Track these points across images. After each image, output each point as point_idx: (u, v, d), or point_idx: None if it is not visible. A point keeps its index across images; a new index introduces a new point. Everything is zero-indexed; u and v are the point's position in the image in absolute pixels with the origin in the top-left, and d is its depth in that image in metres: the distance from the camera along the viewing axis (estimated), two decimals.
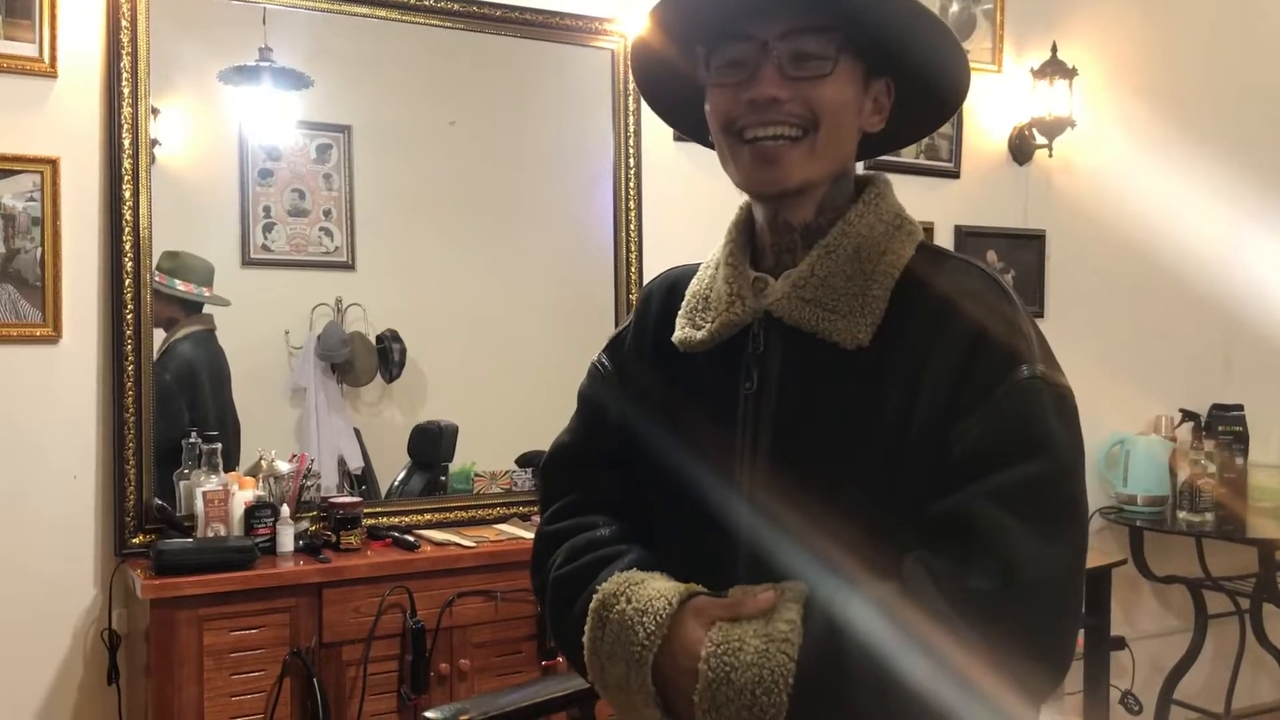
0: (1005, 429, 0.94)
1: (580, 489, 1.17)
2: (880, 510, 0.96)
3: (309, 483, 2.41)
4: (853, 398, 0.99)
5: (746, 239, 1.11)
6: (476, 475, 2.68)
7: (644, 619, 0.98)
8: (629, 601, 1.00)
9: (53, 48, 2.24)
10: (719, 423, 1.05)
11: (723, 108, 1.03)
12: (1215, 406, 3.56)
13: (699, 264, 1.16)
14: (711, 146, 1.09)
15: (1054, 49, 3.26)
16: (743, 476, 1.03)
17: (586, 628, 1.03)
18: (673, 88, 1.12)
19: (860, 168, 1.15)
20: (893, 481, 0.96)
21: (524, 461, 2.73)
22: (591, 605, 1.03)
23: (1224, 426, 3.47)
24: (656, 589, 1.00)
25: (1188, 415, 3.49)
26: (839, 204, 1.06)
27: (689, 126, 1.17)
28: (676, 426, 1.08)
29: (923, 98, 1.09)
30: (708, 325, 1.08)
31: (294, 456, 2.44)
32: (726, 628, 0.95)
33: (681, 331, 1.10)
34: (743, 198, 1.12)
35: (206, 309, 2.48)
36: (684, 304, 1.12)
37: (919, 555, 0.93)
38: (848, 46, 1.01)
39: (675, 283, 1.16)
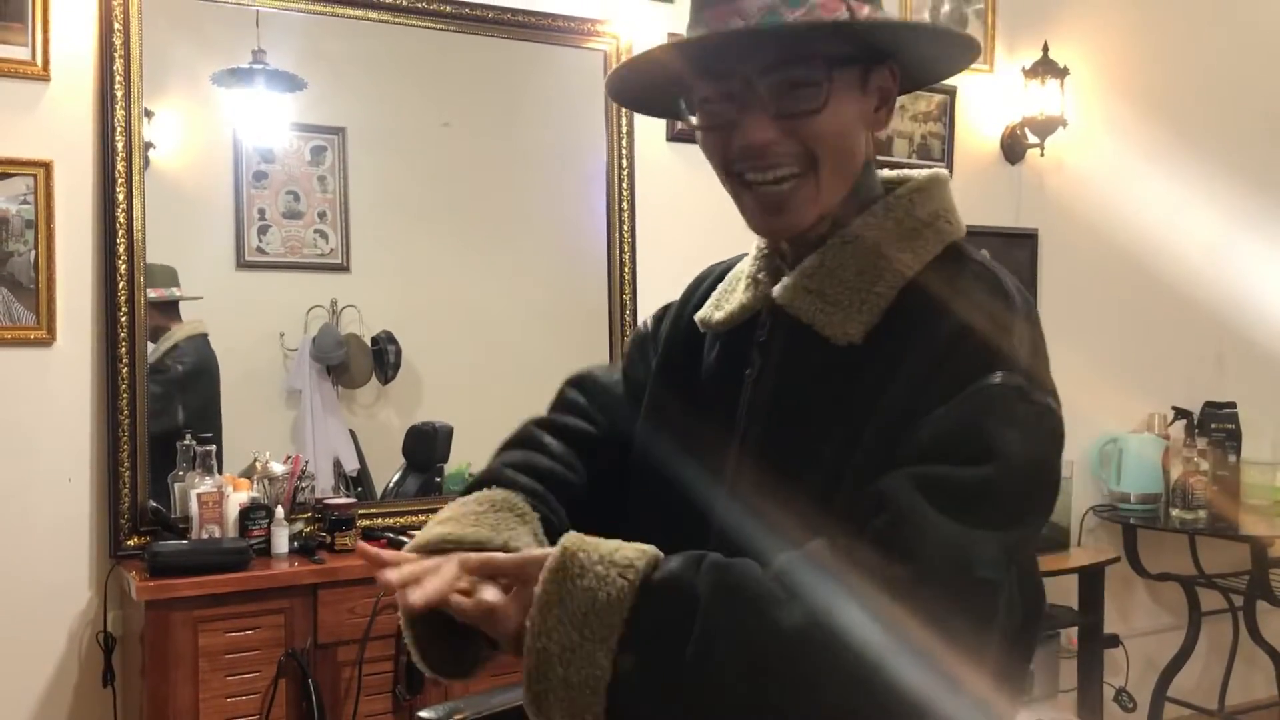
0: (956, 430, 0.88)
1: (579, 414, 1.18)
2: (838, 503, 0.93)
3: (304, 484, 2.42)
4: (836, 394, 0.96)
5: None
6: (471, 476, 2.68)
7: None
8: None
9: (45, 51, 2.25)
10: (719, 404, 1.05)
11: (716, 153, 0.99)
12: (1208, 404, 3.58)
13: (738, 257, 1.17)
14: None
15: (1045, 48, 3.27)
16: (728, 462, 1.02)
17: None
18: (646, 84, 1.07)
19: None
20: (859, 480, 0.92)
21: None
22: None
23: (1216, 424, 3.49)
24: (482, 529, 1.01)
25: (1180, 413, 3.51)
26: (854, 206, 1.02)
27: (661, 111, 1.14)
28: (682, 403, 1.09)
29: (931, 62, 1.04)
30: (727, 307, 1.09)
31: (288, 458, 2.44)
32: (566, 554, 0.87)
33: (704, 310, 1.11)
34: (726, 210, 1.11)
35: (198, 314, 2.48)
36: (720, 285, 1.13)
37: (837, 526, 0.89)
38: (837, 61, 0.95)
39: (711, 272, 1.19)
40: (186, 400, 2.47)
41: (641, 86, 1.07)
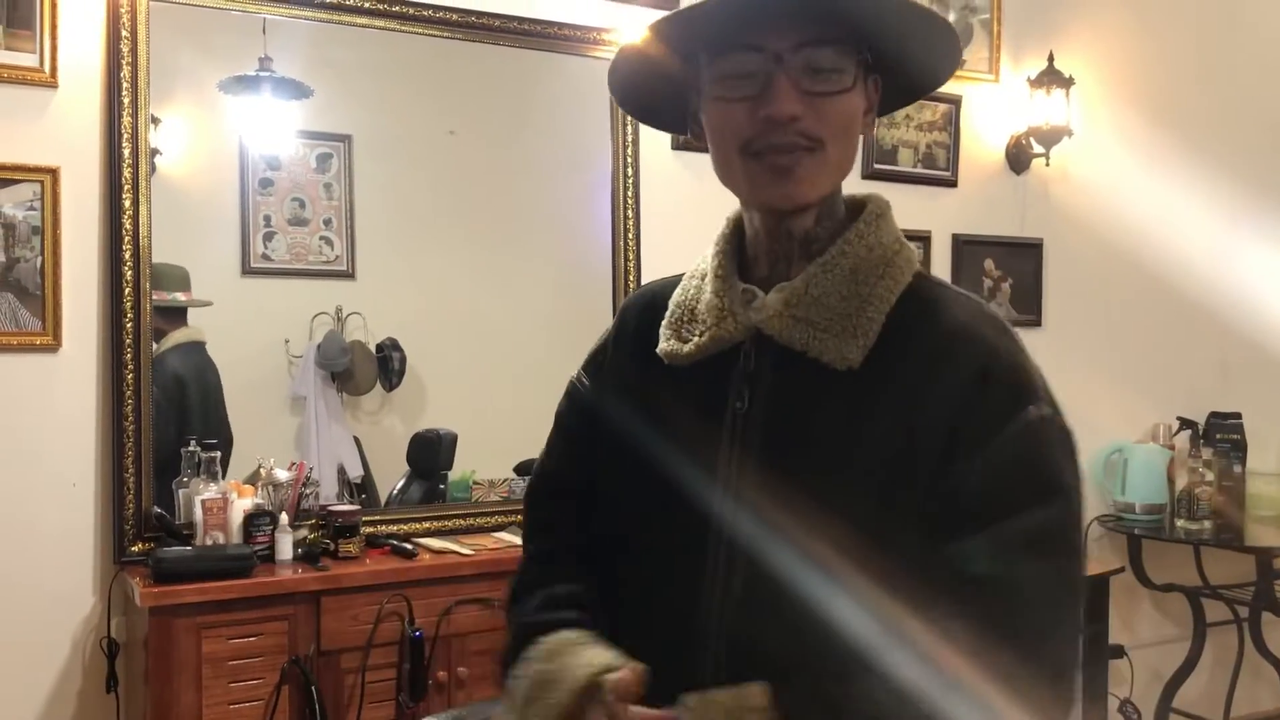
0: (1015, 470, 0.92)
1: (557, 527, 1.16)
2: (865, 540, 0.93)
3: (308, 491, 2.42)
4: (841, 421, 0.97)
5: (735, 249, 1.08)
6: (475, 483, 2.69)
7: (563, 689, 0.98)
8: (550, 660, 1.01)
9: (53, 58, 2.26)
10: (703, 439, 1.02)
11: (734, 124, 0.99)
12: (1213, 414, 3.57)
13: (676, 277, 1.14)
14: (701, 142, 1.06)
15: (1051, 59, 3.28)
16: (725, 497, 1.00)
17: (520, 681, 1.02)
18: (654, 89, 1.08)
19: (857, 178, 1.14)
20: (880, 512, 0.94)
21: (522, 469, 2.74)
22: (531, 654, 1.03)
23: (1222, 434, 3.48)
24: (586, 658, 1.00)
25: (1185, 423, 3.50)
26: (835, 213, 1.04)
27: (668, 122, 1.14)
28: (657, 442, 1.05)
29: (904, 80, 1.07)
30: (695, 338, 1.05)
31: (293, 465, 2.45)
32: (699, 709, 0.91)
33: (667, 343, 1.07)
34: (732, 209, 1.11)
35: (195, 321, 2.48)
36: (668, 315, 1.09)
37: (936, 614, 0.91)
38: (859, 56, 0.99)
39: (654, 297, 1.14)
40: (185, 409, 2.46)
41: (644, 73, 1.06)
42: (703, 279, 1.09)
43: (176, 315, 2.46)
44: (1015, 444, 0.92)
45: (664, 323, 1.09)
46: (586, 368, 1.18)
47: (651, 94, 1.09)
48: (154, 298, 2.36)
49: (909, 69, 1.05)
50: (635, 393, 1.10)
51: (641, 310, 1.14)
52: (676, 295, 1.10)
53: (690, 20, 0.99)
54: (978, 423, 0.93)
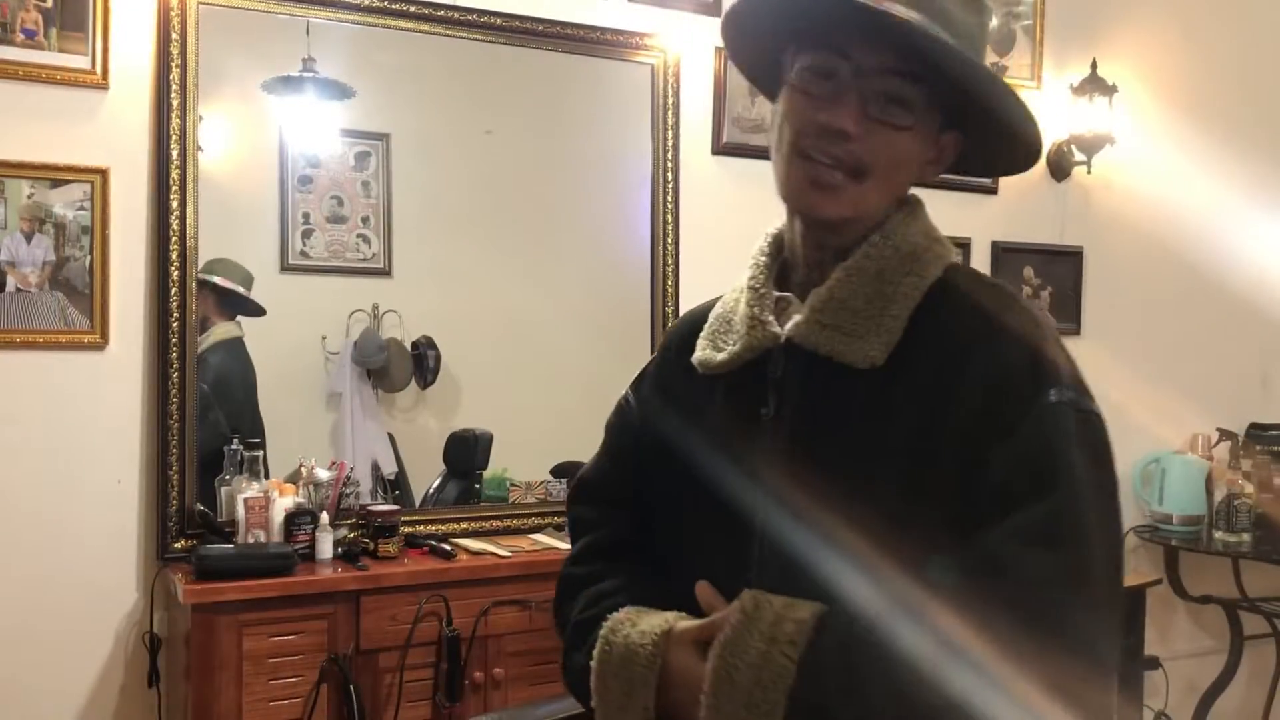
0: (1028, 460, 0.93)
1: (603, 527, 1.19)
2: (896, 533, 0.95)
3: (348, 490, 2.44)
4: (867, 418, 0.99)
5: (773, 259, 1.11)
6: (512, 485, 2.70)
7: (644, 640, 1.02)
8: (633, 626, 1.04)
9: (104, 60, 2.28)
10: (738, 446, 1.05)
11: (793, 119, 1.01)
12: (1253, 425, 3.53)
13: (713, 300, 1.18)
14: None
15: (1094, 65, 3.24)
16: (759, 501, 1.03)
17: (595, 650, 1.05)
18: (758, 48, 1.09)
19: None
20: (909, 505, 0.95)
21: (559, 472, 2.74)
22: (601, 631, 1.06)
23: (1262, 446, 3.44)
24: (659, 615, 1.04)
25: (1225, 434, 3.46)
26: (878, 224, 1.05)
27: (765, 87, 1.14)
28: (695, 451, 1.09)
29: (990, 153, 1.08)
30: (729, 348, 1.08)
31: (333, 464, 2.47)
32: (735, 629, 0.95)
33: (702, 352, 1.10)
34: (782, 219, 1.12)
35: (238, 318, 2.51)
36: (707, 327, 1.13)
37: (953, 589, 0.92)
38: (933, 100, 1.00)
39: (698, 318, 1.17)
40: (221, 404, 2.48)
41: (755, 31, 1.07)
42: (740, 292, 1.12)
43: (227, 309, 2.48)
44: (1030, 433, 0.93)
45: (702, 334, 1.12)
46: (634, 384, 1.22)
47: (754, 53, 1.10)
48: (216, 279, 2.41)
49: (992, 144, 1.05)
50: (677, 404, 1.14)
51: (684, 329, 1.18)
52: (717, 309, 1.14)
53: (795, 6, 1.00)
54: (1000, 414, 0.94)
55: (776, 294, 1.07)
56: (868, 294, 1.00)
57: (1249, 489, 3.24)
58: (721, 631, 0.96)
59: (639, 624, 1.04)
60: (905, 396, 0.97)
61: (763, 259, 1.11)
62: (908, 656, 0.88)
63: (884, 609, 0.92)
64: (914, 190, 1.08)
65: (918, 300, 1.00)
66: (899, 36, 0.95)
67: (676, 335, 1.19)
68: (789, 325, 1.03)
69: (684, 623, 1.03)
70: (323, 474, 2.39)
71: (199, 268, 2.37)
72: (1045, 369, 0.95)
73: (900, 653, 0.89)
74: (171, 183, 2.32)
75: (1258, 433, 3.49)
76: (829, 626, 0.93)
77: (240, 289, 2.48)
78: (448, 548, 2.39)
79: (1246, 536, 3.21)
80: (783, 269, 1.10)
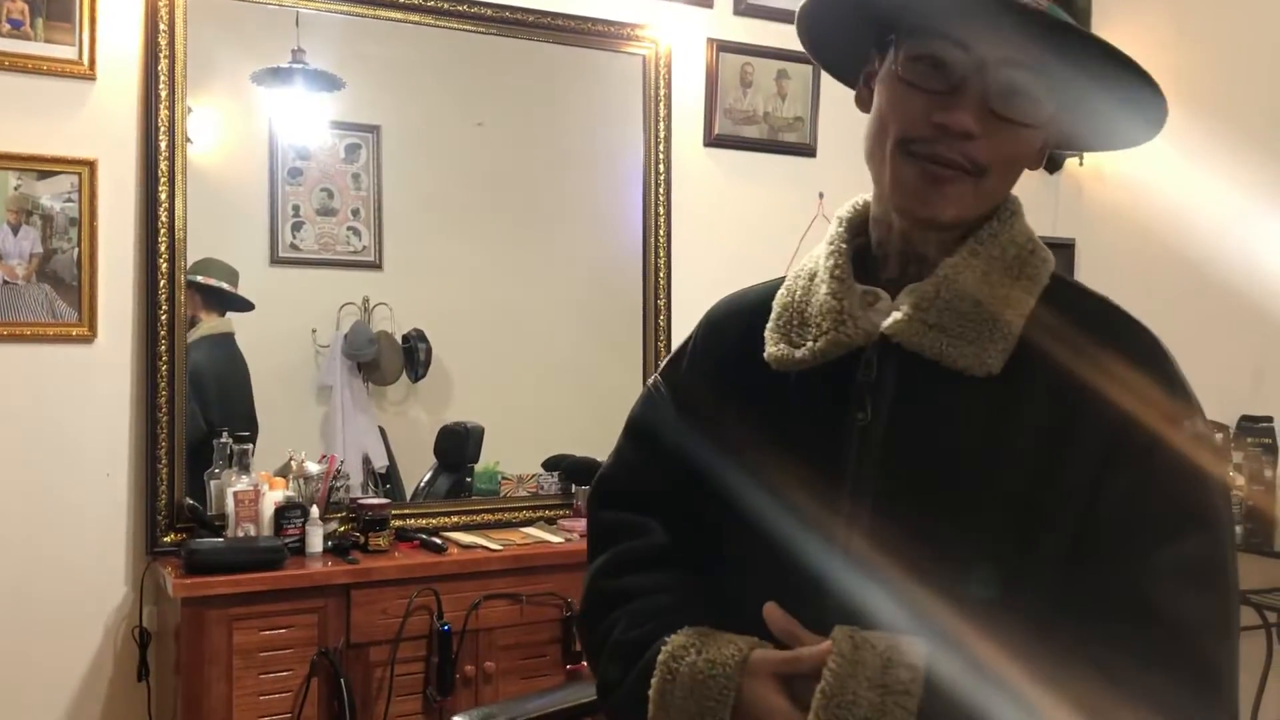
0: (1170, 494, 0.87)
1: (636, 534, 1.06)
2: (1006, 568, 0.87)
3: (338, 484, 2.43)
4: (980, 433, 0.90)
5: (853, 246, 1.00)
6: (503, 478, 2.69)
7: (714, 670, 0.91)
8: (699, 653, 0.93)
9: (92, 51, 2.27)
10: (817, 454, 0.94)
11: (905, 118, 0.91)
12: (1244, 418, 3.53)
13: (761, 284, 1.07)
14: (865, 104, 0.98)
15: None
16: (843, 519, 0.92)
17: (654, 678, 0.94)
18: (840, 22, 0.99)
19: None
20: (1024, 536, 0.87)
21: (550, 465, 2.74)
22: (660, 657, 0.95)
23: (1253, 438, 3.44)
24: (727, 640, 0.94)
25: (1216, 426, 3.46)
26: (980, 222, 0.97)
27: (836, 65, 1.05)
28: (759, 454, 0.97)
29: (1107, 130, 1.00)
30: (809, 343, 0.96)
31: (323, 457, 2.46)
32: (838, 676, 0.85)
33: (776, 347, 0.98)
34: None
35: (226, 314, 2.49)
36: (774, 318, 1.01)
37: (1089, 644, 0.85)
38: (1061, 94, 0.91)
39: (740, 303, 1.07)
40: (209, 398, 2.47)
41: (836, 17, 0.98)
42: (811, 279, 1.01)
43: (214, 305, 2.47)
44: (1172, 465, 0.87)
45: (769, 326, 1.01)
46: (664, 373, 1.12)
47: (835, 26, 1.00)
48: (199, 279, 2.39)
49: (1099, 122, 0.98)
50: (735, 398, 1.02)
51: (729, 316, 1.08)
52: (782, 297, 1.02)
53: None
54: (1131, 439, 0.87)
55: (862, 287, 0.97)
56: (976, 296, 0.91)
57: (1240, 481, 3.25)
58: (820, 676, 0.86)
59: (706, 650, 0.93)
60: (1024, 410, 0.89)
61: (843, 245, 0.99)
62: (1034, 705, 0.81)
63: (1001, 651, 0.83)
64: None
65: (1031, 305, 0.92)
66: (1023, 24, 0.86)
67: (722, 323, 1.07)
68: (886, 322, 0.93)
69: (760, 651, 0.92)
70: (313, 467, 2.38)
71: (188, 261, 2.36)
72: (1180, 397, 0.90)
73: (1024, 699, 0.81)
74: (160, 174, 2.31)
75: (1249, 425, 3.49)
76: (943, 674, 0.84)
77: (225, 285, 2.47)
78: (439, 541, 2.39)
79: (1238, 529, 3.22)
80: (860, 258, 1.00)
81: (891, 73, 0.92)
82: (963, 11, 0.88)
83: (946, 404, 0.91)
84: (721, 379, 1.05)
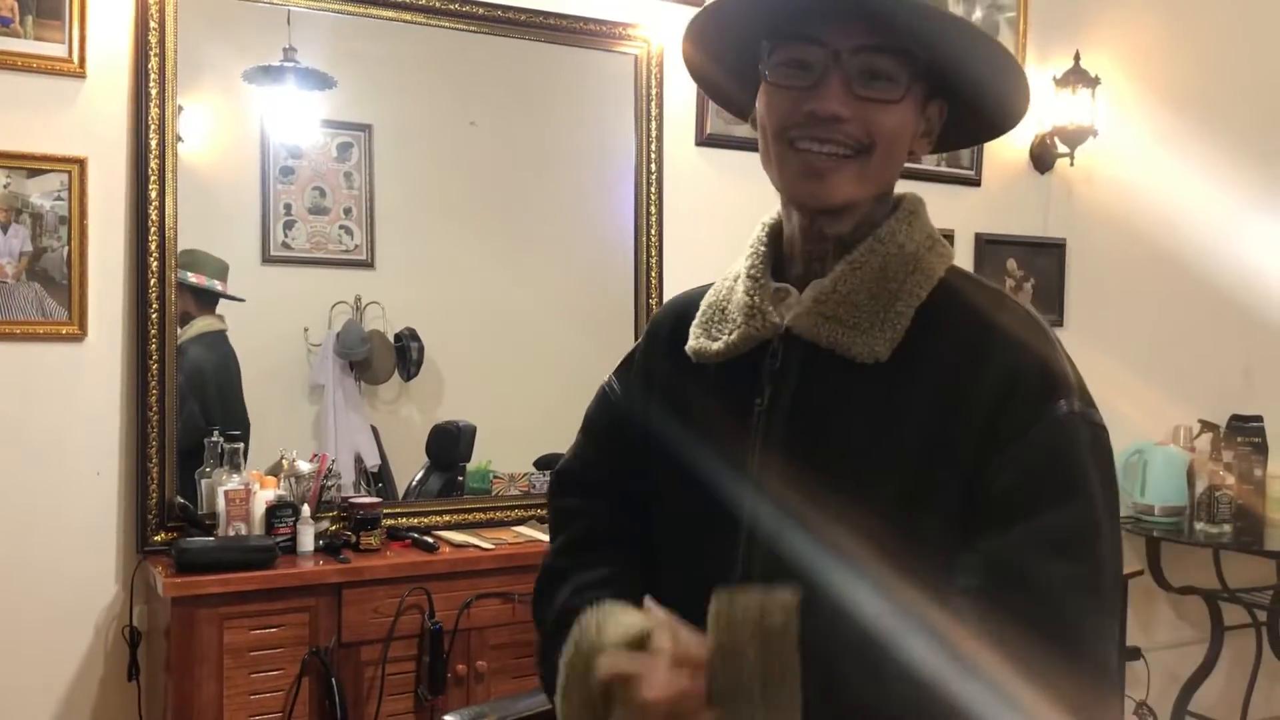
0: (1042, 468, 0.92)
1: (586, 518, 1.15)
2: (893, 533, 0.93)
3: (329, 483, 2.42)
4: (867, 416, 0.97)
5: (771, 250, 1.08)
6: (495, 477, 2.69)
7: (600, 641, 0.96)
8: (598, 631, 0.98)
9: (82, 48, 2.26)
10: (729, 437, 1.03)
11: (779, 113, 0.99)
12: (1234, 417, 3.55)
13: (707, 286, 1.15)
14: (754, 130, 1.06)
15: (1077, 57, 3.25)
16: (750, 494, 1.01)
17: (565, 647, 0.99)
18: (722, 67, 1.09)
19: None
20: (905, 507, 0.94)
21: (542, 464, 2.74)
22: (573, 631, 1.00)
23: (1243, 437, 3.45)
24: (624, 621, 0.98)
25: (1207, 426, 3.48)
26: (876, 219, 1.04)
27: (734, 105, 1.14)
28: (684, 441, 1.06)
29: (973, 118, 1.07)
30: (724, 337, 1.06)
31: (314, 456, 2.45)
32: (724, 629, 0.90)
33: (696, 341, 1.08)
34: (766, 211, 1.11)
35: (219, 309, 2.49)
36: (699, 315, 1.10)
37: (969, 602, 0.90)
38: (916, 71, 0.98)
39: (686, 305, 1.15)
40: (205, 399, 2.47)
41: (713, 52, 1.07)
42: (735, 280, 1.09)
43: (206, 302, 2.46)
44: (1043, 441, 0.92)
45: (694, 322, 1.10)
46: (617, 373, 1.20)
47: (719, 73, 1.09)
48: (191, 279, 2.38)
49: (978, 105, 1.04)
50: (666, 393, 1.11)
51: (672, 317, 1.15)
52: (709, 296, 1.11)
53: (757, 2, 1.00)
54: (1008, 419, 0.93)
55: (775, 284, 1.05)
56: (871, 289, 0.99)
57: (1230, 480, 3.26)
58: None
59: (603, 625, 0.97)
60: (912, 396, 0.96)
61: (761, 248, 1.08)
62: (909, 662, 0.86)
63: (884, 611, 0.90)
64: (912, 190, 1.07)
65: (922, 299, 0.99)
66: (869, 10, 0.95)
67: (663, 323, 1.16)
68: (789, 315, 1.02)
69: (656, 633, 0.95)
70: (304, 466, 2.38)
71: (194, 252, 2.35)
72: (1055, 378, 0.95)
73: (901, 657, 0.86)
74: (150, 173, 2.30)
75: (1239, 424, 3.50)
76: (821, 614, 0.90)
77: (215, 284, 2.46)
78: (430, 540, 2.38)
79: (1228, 528, 3.23)
80: (778, 261, 1.08)
81: (764, 83, 1.01)
82: (807, 12, 0.97)
83: (841, 389, 0.99)
84: (654, 374, 1.14)
